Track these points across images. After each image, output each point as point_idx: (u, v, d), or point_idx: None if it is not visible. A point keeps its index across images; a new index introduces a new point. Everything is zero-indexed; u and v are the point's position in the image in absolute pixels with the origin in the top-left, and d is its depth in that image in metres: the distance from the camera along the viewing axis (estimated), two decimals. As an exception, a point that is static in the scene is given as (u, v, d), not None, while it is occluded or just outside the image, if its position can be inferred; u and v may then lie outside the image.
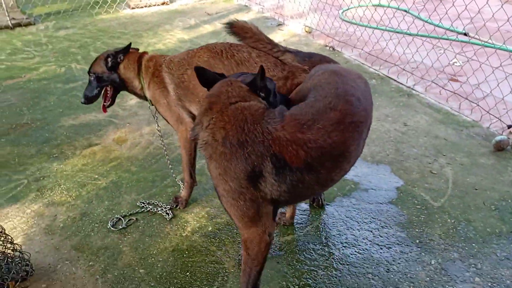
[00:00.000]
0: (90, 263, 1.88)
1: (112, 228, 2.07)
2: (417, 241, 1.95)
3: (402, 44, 3.85)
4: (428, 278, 1.76)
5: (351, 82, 1.49)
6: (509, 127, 2.74)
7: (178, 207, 2.20)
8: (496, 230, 1.99)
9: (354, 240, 1.98)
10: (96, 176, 2.49)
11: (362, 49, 4.03)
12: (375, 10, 4.39)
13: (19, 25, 5.17)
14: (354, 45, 4.13)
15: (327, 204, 2.21)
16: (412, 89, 3.41)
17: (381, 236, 1.99)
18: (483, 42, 3.53)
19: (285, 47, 1.84)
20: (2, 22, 5.10)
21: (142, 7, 5.99)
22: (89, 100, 2.15)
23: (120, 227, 2.08)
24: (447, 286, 1.72)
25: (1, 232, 1.69)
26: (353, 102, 1.40)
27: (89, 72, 2.12)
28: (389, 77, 3.62)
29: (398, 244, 1.95)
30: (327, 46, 4.30)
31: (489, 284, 1.72)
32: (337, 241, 1.98)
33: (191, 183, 2.21)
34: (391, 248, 1.93)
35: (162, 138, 2.37)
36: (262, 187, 1.33)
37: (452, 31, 4.23)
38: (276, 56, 1.81)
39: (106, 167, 2.58)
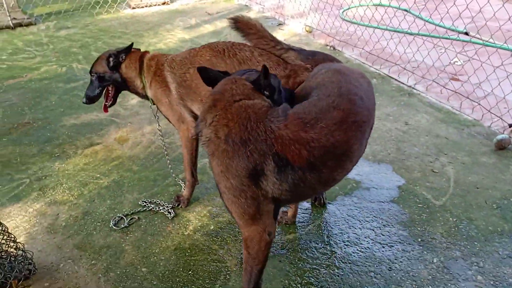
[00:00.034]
0: (93, 262, 1.89)
1: (114, 227, 2.08)
2: (419, 239, 1.96)
3: (403, 43, 3.85)
4: (430, 277, 1.76)
5: (354, 81, 1.49)
6: (510, 126, 2.74)
7: (180, 206, 2.21)
8: (498, 228, 1.99)
9: (356, 238, 1.98)
10: (98, 175, 2.49)
11: (362, 49, 4.04)
12: (376, 9, 4.39)
13: (20, 25, 5.17)
14: (354, 45, 4.14)
15: (328, 203, 2.21)
16: (413, 88, 3.41)
17: (383, 235, 2.00)
18: (484, 41, 3.54)
19: (288, 45, 1.83)
20: (3, 22, 5.11)
21: (142, 7, 5.99)
22: (91, 100, 2.14)
23: (122, 226, 2.09)
24: (449, 285, 1.72)
25: (4, 231, 1.70)
26: (356, 102, 1.40)
27: (90, 72, 2.12)
28: (390, 77, 3.62)
29: (400, 242, 1.95)
30: (327, 45, 4.30)
31: (492, 283, 1.72)
32: (339, 240, 1.98)
33: (193, 182, 2.22)
34: (393, 246, 1.93)
35: (163, 138, 2.38)
36: (264, 185, 1.33)
37: (452, 30, 4.23)
38: (279, 53, 1.80)
39: (108, 166, 2.58)
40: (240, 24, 1.85)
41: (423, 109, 3.10)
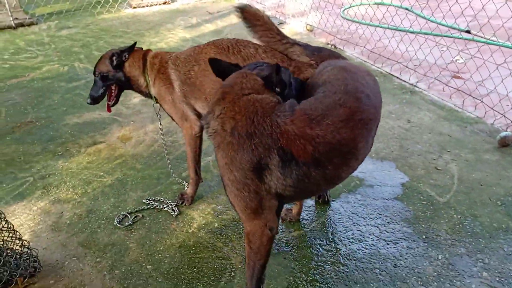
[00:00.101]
0: (98, 260, 1.89)
1: (118, 225, 2.08)
2: (424, 236, 1.96)
3: (404, 41, 3.85)
4: (435, 273, 1.76)
5: (360, 79, 1.49)
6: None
7: (183, 203, 2.21)
8: (502, 225, 1.99)
9: (361, 235, 1.98)
10: (102, 174, 2.49)
11: (364, 47, 4.04)
12: (378, 8, 4.39)
13: (22, 25, 5.18)
14: (356, 43, 4.14)
15: (332, 200, 2.21)
16: (415, 86, 3.41)
17: (387, 232, 2.00)
18: (486, 40, 3.54)
19: (294, 40, 1.82)
20: (5, 22, 5.11)
21: (143, 7, 6.00)
22: (95, 100, 2.13)
23: (127, 223, 2.09)
24: (454, 281, 1.72)
25: (9, 228, 1.70)
26: (363, 99, 1.40)
27: (94, 72, 2.10)
28: (392, 75, 3.62)
29: (404, 239, 1.95)
30: (329, 44, 4.30)
31: (497, 279, 1.72)
32: (343, 237, 1.98)
33: (197, 180, 2.22)
34: (397, 243, 1.93)
35: (164, 137, 2.37)
36: (268, 180, 1.33)
37: (454, 28, 4.23)
38: (284, 48, 1.79)
39: (111, 164, 2.58)
40: (247, 14, 1.80)
41: (426, 107, 3.10)
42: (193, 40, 4.61)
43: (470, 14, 3.53)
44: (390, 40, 3.97)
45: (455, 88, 3.22)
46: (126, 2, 6.10)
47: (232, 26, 5.02)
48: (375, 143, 2.67)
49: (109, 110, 2.22)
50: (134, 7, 5.95)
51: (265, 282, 1.55)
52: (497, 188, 2.24)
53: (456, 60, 3.69)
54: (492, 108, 2.90)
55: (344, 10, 5.16)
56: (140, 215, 2.15)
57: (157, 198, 2.25)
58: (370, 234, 1.98)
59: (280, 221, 2.05)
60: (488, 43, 3.69)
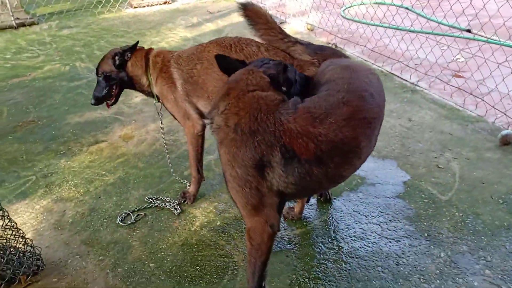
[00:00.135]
0: (100, 258, 1.89)
1: (121, 223, 2.08)
2: (426, 234, 1.96)
3: (405, 40, 3.86)
4: (438, 271, 1.77)
5: (364, 77, 1.49)
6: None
7: (186, 202, 2.21)
8: (504, 223, 2.00)
9: (363, 233, 1.98)
10: (104, 172, 2.50)
11: (365, 46, 4.04)
12: (379, 7, 4.39)
13: (23, 24, 5.19)
14: (356, 42, 4.14)
15: (334, 199, 2.21)
16: (416, 85, 3.41)
17: (389, 230, 2.00)
18: (487, 38, 3.54)
19: (296, 39, 1.83)
20: (6, 22, 5.12)
21: (144, 6, 6.01)
22: (99, 100, 2.12)
23: (129, 222, 2.09)
24: (457, 279, 1.73)
25: (13, 226, 1.70)
26: (366, 98, 1.40)
27: (97, 72, 2.10)
28: (393, 74, 3.62)
29: (406, 237, 1.95)
30: (329, 43, 4.30)
31: (499, 276, 1.72)
32: (345, 235, 1.98)
33: (199, 179, 2.22)
34: (399, 241, 1.93)
35: (165, 136, 2.37)
36: (269, 177, 1.33)
37: (454, 27, 4.24)
38: (286, 46, 1.79)
39: (113, 163, 2.59)
40: (249, 12, 1.80)
41: (427, 105, 3.10)
42: (194, 39, 4.62)
43: (471, 13, 3.53)
44: (391, 39, 3.98)
45: (456, 87, 3.22)
46: (127, 1, 6.11)
47: (232, 25, 5.02)
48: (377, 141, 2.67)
49: (108, 106, 2.21)
50: (135, 7, 5.96)
51: (266, 279, 1.55)
52: (498, 186, 2.24)
53: (457, 59, 3.69)
54: (493, 107, 2.91)
55: (345, 9, 5.17)
56: (143, 213, 2.15)
57: (159, 197, 2.25)
58: (372, 232, 1.99)
59: (282, 219, 2.06)
60: (489, 42, 3.69)
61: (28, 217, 2.15)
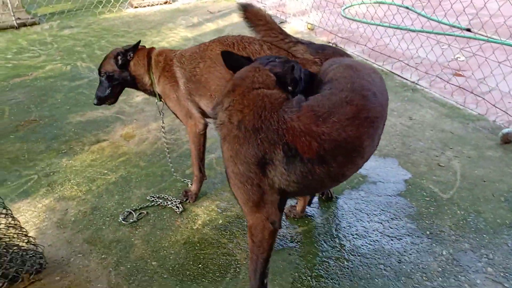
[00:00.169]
0: (103, 256, 1.89)
1: (123, 222, 2.08)
2: (428, 232, 1.96)
3: (405, 40, 3.86)
4: (440, 269, 1.77)
5: (367, 76, 1.49)
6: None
7: (188, 201, 2.21)
8: (506, 221, 2.00)
9: (364, 231, 1.99)
10: (105, 171, 2.50)
11: (365, 45, 4.05)
12: (379, 6, 4.40)
13: (24, 25, 5.19)
14: (357, 42, 4.15)
15: (336, 197, 2.22)
16: (417, 84, 3.42)
17: (391, 228, 2.00)
18: (488, 37, 3.54)
19: (297, 38, 1.83)
20: (7, 22, 5.13)
21: (144, 6, 6.01)
22: (101, 100, 2.11)
23: (131, 220, 2.09)
24: (459, 276, 1.73)
25: (16, 225, 1.70)
26: (370, 97, 1.40)
27: (99, 72, 2.09)
28: (393, 73, 3.63)
29: (408, 235, 1.95)
30: (330, 42, 4.31)
31: (502, 274, 1.73)
32: (347, 233, 1.99)
33: (201, 177, 2.22)
34: (401, 239, 1.93)
35: (166, 135, 2.37)
36: (271, 175, 1.33)
37: (454, 26, 4.24)
38: (287, 47, 1.80)
39: (115, 162, 2.59)
40: (249, 14, 1.80)
41: (427, 104, 3.11)
42: (194, 39, 4.62)
43: (472, 12, 3.54)
44: (391, 39, 3.98)
45: (457, 86, 3.22)
46: (127, 1, 6.11)
47: (233, 25, 5.03)
48: (378, 140, 2.68)
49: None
50: (135, 7, 5.96)
51: (268, 277, 1.55)
52: (500, 184, 2.24)
53: (457, 58, 3.70)
54: (494, 105, 2.91)
55: (345, 8, 5.17)
56: (145, 212, 2.15)
57: (161, 195, 2.25)
58: (374, 230, 1.99)
59: (284, 217, 2.06)
60: (490, 41, 3.70)
61: (31, 216, 2.16)
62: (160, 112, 2.26)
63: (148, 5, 6.03)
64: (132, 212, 2.15)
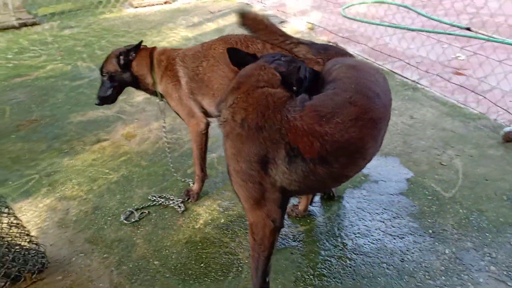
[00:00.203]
0: (105, 256, 1.89)
1: (125, 221, 2.08)
2: (430, 231, 1.96)
3: (406, 39, 3.87)
4: (443, 267, 1.77)
5: (370, 77, 1.48)
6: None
7: (189, 200, 2.21)
8: (508, 220, 2.00)
9: (367, 230, 1.99)
10: (107, 171, 2.50)
11: (365, 45, 4.05)
12: (380, 5, 4.40)
13: (25, 25, 5.19)
14: (357, 41, 4.15)
15: (338, 196, 2.21)
16: (417, 83, 3.42)
17: (393, 227, 2.00)
18: (488, 37, 3.55)
19: (298, 39, 1.83)
20: (8, 22, 5.13)
21: (145, 6, 6.00)
22: (103, 101, 2.11)
23: (133, 220, 2.09)
24: (462, 275, 1.73)
25: (18, 224, 1.70)
26: (373, 98, 1.39)
27: (101, 72, 2.08)
28: (394, 72, 3.63)
29: (411, 234, 1.95)
30: (330, 42, 4.31)
31: (505, 273, 1.72)
32: (349, 232, 1.98)
33: (202, 177, 2.22)
34: (404, 238, 1.93)
35: (166, 135, 2.36)
36: (273, 173, 1.33)
37: (454, 25, 4.24)
38: (289, 48, 1.80)
39: (116, 161, 2.59)
40: (247, 20, 1.81)
41: (428, 103, 3.11)
42: (195, 38, 4.62)
43: (472, 11, 3.54)
44: (392, 38, 3.98)
45: (458, 85, 3.22)
46: (127, 1, 6.11)
47: (233, 25, 5.02)
48: (379, 139, 2.67)
49: None
50: (136, 7, 5.96)
51: (270, 275, 1.54)
52: (502, 183, 2.24)
53: (458, 57, 3.70)
54: (495, 104, 2.91)
55: (345, 8, 5.18)
56: (146, 211, 2.15)
57: (163, 195, 2.25)
58: (376, 229, 1.99)
59: (286, 216, 2.06)
60: (490, 40, 3.70)
61: (32, 216, 2.15)
62: (161, 112, 2.26)
63: (148, 5, 6.02)
64: (134, 211, 2.14)
